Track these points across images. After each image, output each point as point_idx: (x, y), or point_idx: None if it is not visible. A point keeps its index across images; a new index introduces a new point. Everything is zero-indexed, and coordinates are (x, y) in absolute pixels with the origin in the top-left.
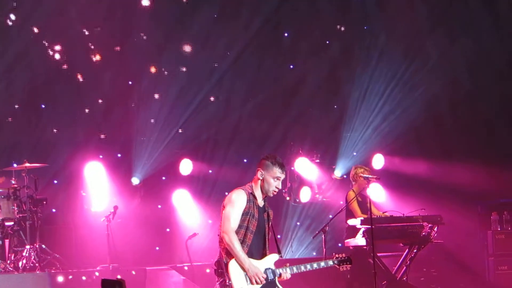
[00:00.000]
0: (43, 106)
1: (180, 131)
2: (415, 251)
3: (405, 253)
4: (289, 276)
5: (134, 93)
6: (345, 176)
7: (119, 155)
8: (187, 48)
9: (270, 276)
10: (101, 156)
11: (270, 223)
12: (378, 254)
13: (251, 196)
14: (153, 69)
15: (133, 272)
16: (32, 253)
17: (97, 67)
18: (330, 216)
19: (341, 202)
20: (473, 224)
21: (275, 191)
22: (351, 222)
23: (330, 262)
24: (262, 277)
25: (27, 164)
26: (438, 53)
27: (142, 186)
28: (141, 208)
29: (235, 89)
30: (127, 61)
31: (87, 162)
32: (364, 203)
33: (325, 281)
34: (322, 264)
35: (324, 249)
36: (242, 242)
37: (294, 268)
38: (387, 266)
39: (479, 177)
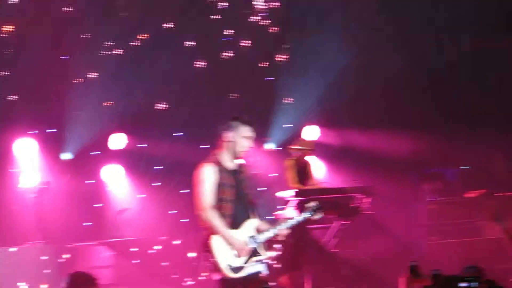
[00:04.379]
0: None
1: None
2: (346, 222)
3: (335, 225)
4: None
5: (67, 68)
6: (280, 148)
7: (49, 130)
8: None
9: (253, 245)
10: (31, 132)
11: (249, 181)
12: (309, 226)
13: (218, 166)
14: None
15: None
16: None
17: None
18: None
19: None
20: (406, 194)
21: (247, 150)
22: (279, 194)
23: (304, 215)
24: (248, 248)
25: None
26: (379, 22)
27: (72, 162)
28: (72, 184)
29: (165, 62)
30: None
31: (16, 138)
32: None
33: None
34: (300, 218)
35: None
36: (223, 215)
37: (275, 231)
38: (317, 238)
39: (412, 147)
